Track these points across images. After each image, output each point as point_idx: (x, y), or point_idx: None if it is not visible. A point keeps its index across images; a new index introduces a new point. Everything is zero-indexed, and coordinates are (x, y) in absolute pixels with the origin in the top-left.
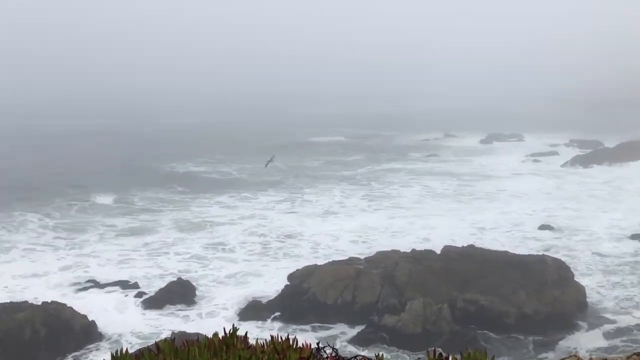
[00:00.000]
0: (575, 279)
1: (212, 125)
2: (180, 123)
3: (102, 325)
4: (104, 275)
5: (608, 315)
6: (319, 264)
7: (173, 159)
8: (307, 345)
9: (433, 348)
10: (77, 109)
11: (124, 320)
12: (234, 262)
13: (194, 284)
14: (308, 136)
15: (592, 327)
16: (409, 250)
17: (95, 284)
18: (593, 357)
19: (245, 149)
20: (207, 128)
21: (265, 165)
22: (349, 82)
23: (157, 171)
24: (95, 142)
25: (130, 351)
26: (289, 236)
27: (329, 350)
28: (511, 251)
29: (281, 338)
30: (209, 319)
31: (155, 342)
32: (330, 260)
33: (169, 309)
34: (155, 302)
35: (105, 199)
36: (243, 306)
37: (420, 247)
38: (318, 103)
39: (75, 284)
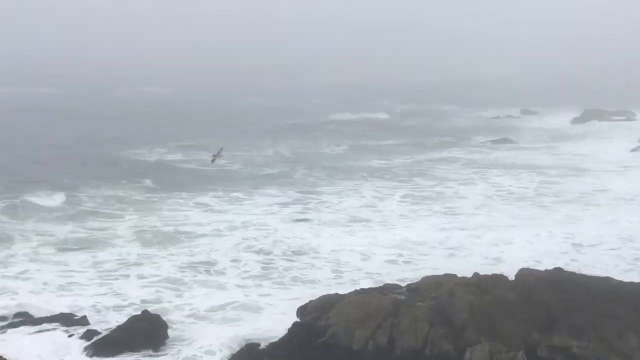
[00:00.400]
0: None
1: (194, 98)
2: (150, 93)
3: None
4: (39, 306)
5: None
6: (341, 292)
7: (138, 143)
8: None
9: None
10: (16, 75)
11: None
12: (222, 289)
13: (165, 319)
14: (328, 112)
15: None
16: (469, 275)
17: (26, 319)
18: None
19: (239, 130)
20: (187, 101)
21: (212, 161)
22: (400, 47)
23: (116, 159)
24: (34, 118)
25: None
26: (299, 253)
27: None
28: (617, 277)
29: None
30: None
31: None
32: (358, 288)
33: (131, 355)
34: (111, 344)
35: (43, 198)
36: (235, 351)
37: (487, 270)
38: (344, 68)
39: None
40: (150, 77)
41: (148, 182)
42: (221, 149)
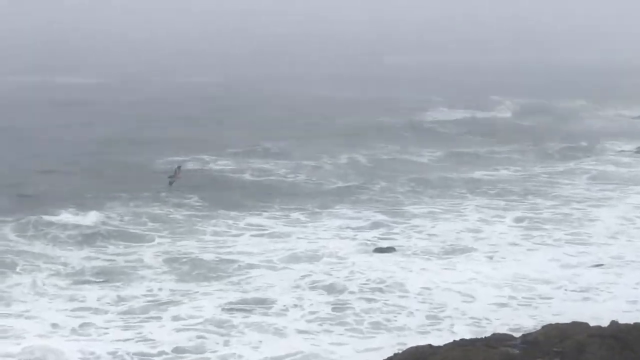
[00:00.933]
0: None
1: (246, 90)
2: (192, 84)
3: None
4: (48, 352)
5: None
6: (436, 343)
7: (178, 146)
8: None
9: None
10: (40, 58)
11: None
12: (281, 336)
13: None
14: (423, 107)
15: None
16: (605, 324)
17: None
18: None
19: (305, 131)
20: (236, 94)
21: (170, 184)
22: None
23: (151, 167)
24: (58, 113)
25: None
26: (381, 291)
27: None
28: None
29: None
30: None
31: None
32: (458, 339)
33: None
34: None
35: (56, 216)
36: None
37: (628, 318)
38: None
39: None
40: (193, 66)
41: (189, 196)
42: (178, 167)
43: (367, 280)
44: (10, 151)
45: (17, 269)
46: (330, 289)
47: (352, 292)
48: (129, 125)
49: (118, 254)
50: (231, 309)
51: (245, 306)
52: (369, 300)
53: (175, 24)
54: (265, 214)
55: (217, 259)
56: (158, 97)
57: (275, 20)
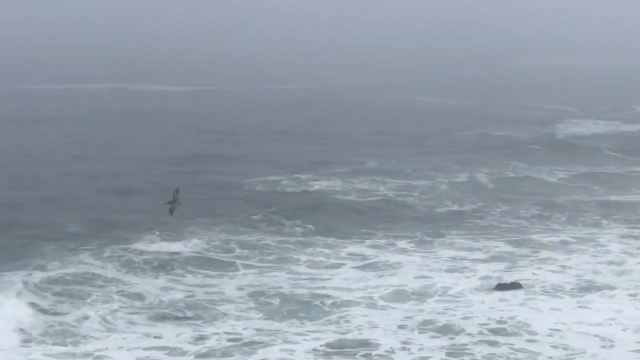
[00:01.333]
0: None
1: (346, 95)
2: (285, 91)
3: None
4: None
5: None
6: None
7: (270, 165)
8: None
9: None
10: (116, 59)
11: None
12: None
13: None
14: (558, 117)
15: None
16: None
17: None
18: None
19: (416, 146)
20: (336, 100)
21: (171, 213)
22: None
23: (240, 187)
24: (134, 127)
25: None
26: (504, 333)
27: None
28: None
29: None
30: None
31: None
32: None
33: None
34: None
35: (133, 241)
36: None
37: None
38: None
39: None
40: (285, 74)
41: (284, 221)
42: (176, 191)
43: (487, 320)
44: (85, 168)
45: (89, 300)
46: (444, 330)
47: (469, 334)
48: (215, 139)
49: (196, 285)
50: (327, 353)
51: (343, 350)
52: (492, 343)
53: (268, 30)
54: (367, 241)
55: (310, 294)
56: (247, 107)
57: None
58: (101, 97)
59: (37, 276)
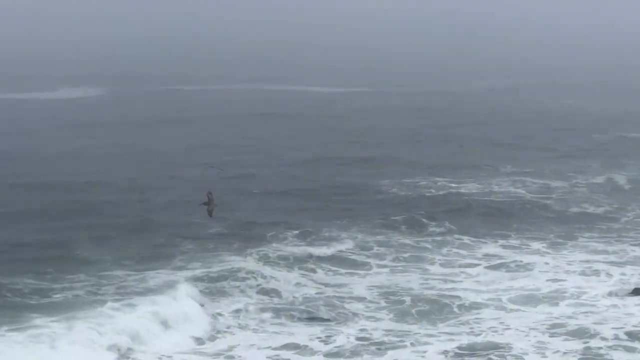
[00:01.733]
0: None
1: (485, 96)
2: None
3: None
4: None
5: None
6: None
7: (406, 167)
8: None
9: None
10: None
11: None
12: None
13: None
14: None
15: None
16: None
17: None
18: None
19: (552, 148)
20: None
21: (210, 214)
22: None
23: (379, 190)
24: (278, 129)
25: None
26: None
27: None
28: None
29: None
30: None
31: None
32: None
33: None
34: None
35: (273, 241)
36: None
37: None
38: None
39: None
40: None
41: (421, 220)
42: (209, 192)
43: (623, 325)
44: (225, 169)
45: (226, 298)
46: (577, 333)
47: (604, 339)
48: (351, 140)
49: (328, 284)
50: (459, 355)
51: (475, 352)
52: (629, 349)
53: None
54: (500, 241)
55: (439, 295)
56: (382, 109)
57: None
58: (243, 98)
59: (181, 275)
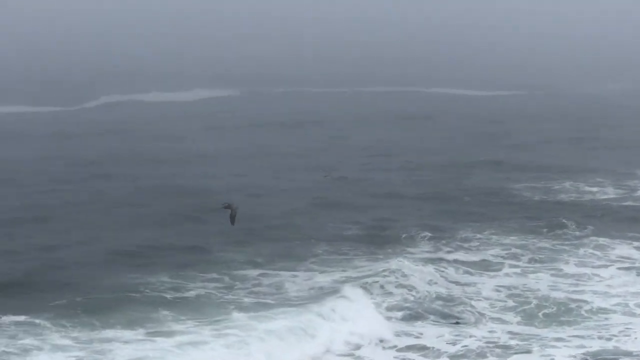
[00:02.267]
0: None
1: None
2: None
3: None
4: None
5: None
6: None
7: (545, 171)
8: None
9: None
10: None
11: None
12: None
13: None
14: None
15: None
16: None
17: None
18: None
19: None
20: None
21: (232, 219)
22: None
23: (511, 193)
24: (412, 131)
25: None
26: None
27: None
28: None
29: None
30: None
31: None
32: None
33: None
34: None
35: (409, 247)
36: None
37: None
38: None
39: None
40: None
41: (560, 222)
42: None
43: None
44: (352, 173)
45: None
46: None
47: None
48: (483, 143)
49: (457, 282)
50: None
51: (604, 359)
52: None
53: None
54: (635, 243)
55: (566, 298)
56: (519, 112)
57: None
58: (375, 99)
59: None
